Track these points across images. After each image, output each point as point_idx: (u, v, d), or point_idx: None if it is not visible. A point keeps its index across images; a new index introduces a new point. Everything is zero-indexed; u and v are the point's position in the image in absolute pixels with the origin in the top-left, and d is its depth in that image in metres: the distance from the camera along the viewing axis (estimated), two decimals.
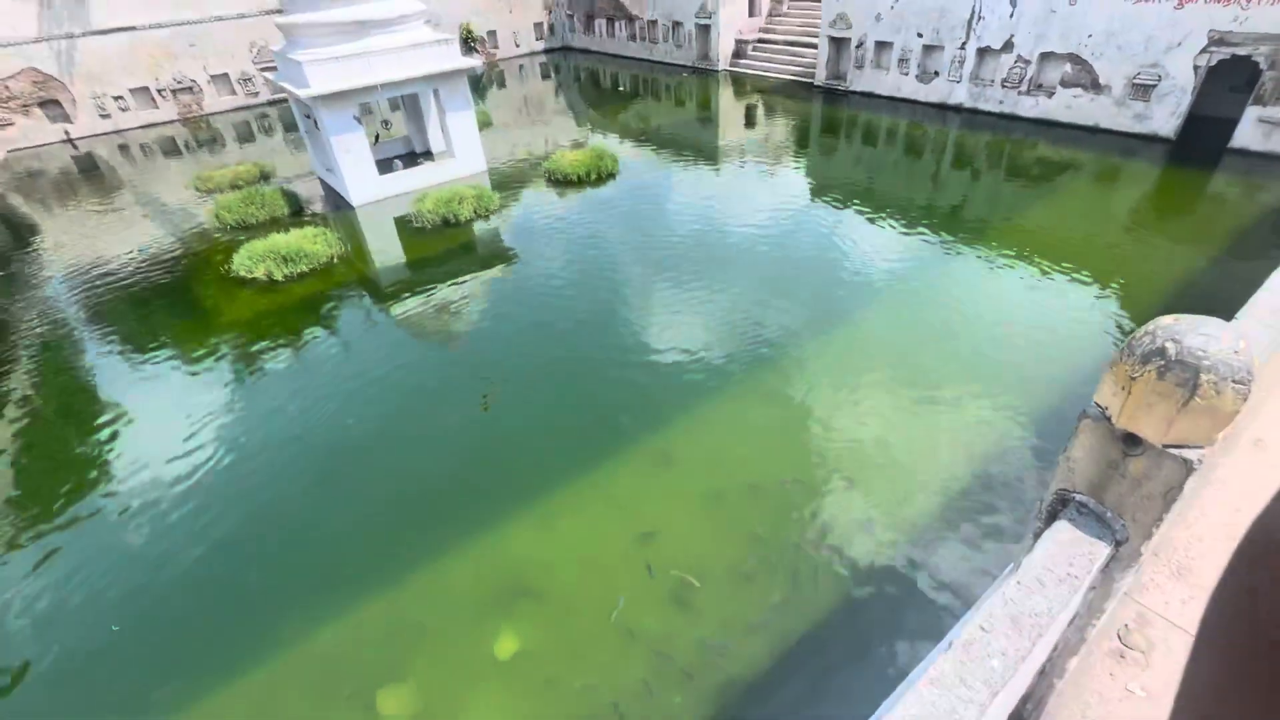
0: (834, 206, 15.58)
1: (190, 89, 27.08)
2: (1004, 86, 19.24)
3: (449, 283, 13.24)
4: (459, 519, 7.71)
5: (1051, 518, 2.08)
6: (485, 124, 23.41)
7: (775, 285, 12.27)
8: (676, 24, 28.96)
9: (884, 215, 14.83)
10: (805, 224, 14.73)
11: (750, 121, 23.15)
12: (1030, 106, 18.93)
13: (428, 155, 19.22)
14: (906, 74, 21.46)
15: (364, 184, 16.40)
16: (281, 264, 13.27)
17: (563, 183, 17.43)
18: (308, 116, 16.67)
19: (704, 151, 20.53)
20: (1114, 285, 11.46)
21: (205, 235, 16.14)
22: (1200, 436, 1.66)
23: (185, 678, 6.27)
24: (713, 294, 12.13)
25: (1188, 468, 1.70)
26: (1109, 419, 1.81)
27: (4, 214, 19.86)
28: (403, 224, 15.78)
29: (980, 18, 18.88)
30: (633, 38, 31.85)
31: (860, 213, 15.11)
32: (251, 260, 13.33)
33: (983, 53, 19.42)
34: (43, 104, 24.72)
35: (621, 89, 29.26)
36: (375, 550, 7.41)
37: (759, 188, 17.18)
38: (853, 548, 6.95)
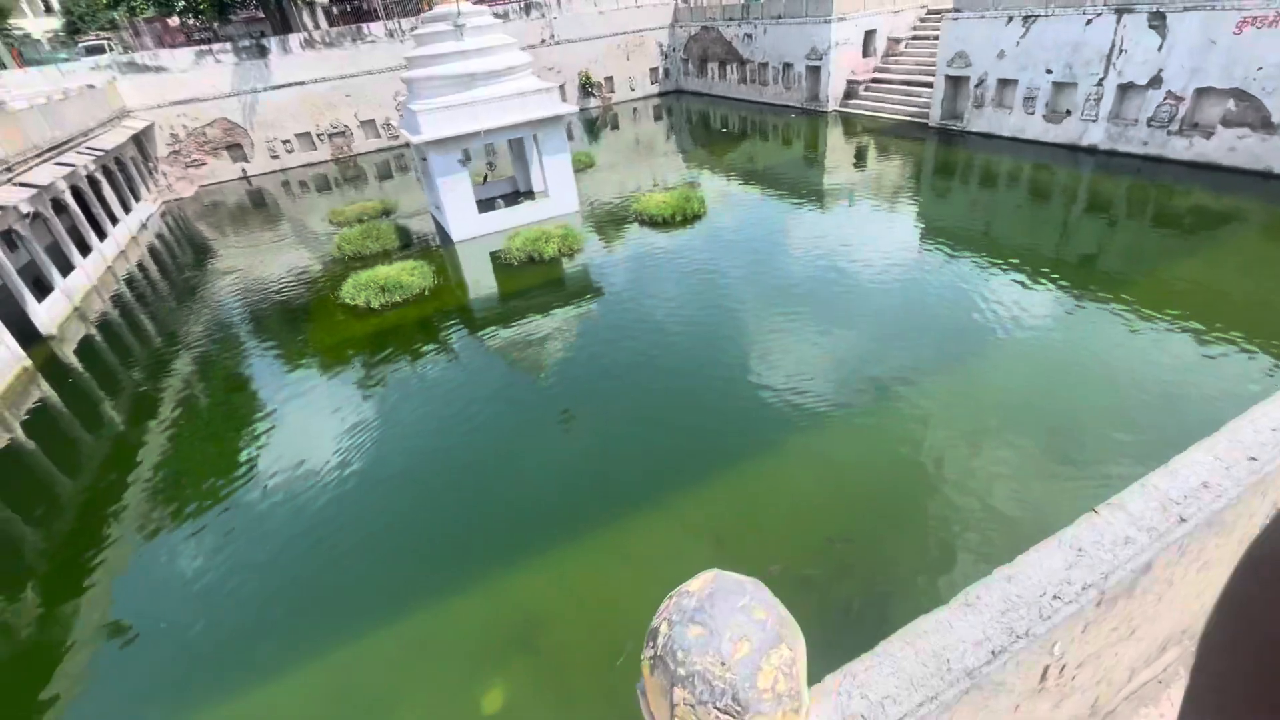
0: (946, 252, 14.47)
1: (343, 133, 30.81)
2: (1150, 126, 17.06)
3: (521, 318, 13.76)
4: (476, 560, 7.79)
5: None
6: (589, 165, 24.44)
7: (871, 332, 11.56)
8: (787, 65, 28.78)
9: (1004, 263, 13.55)
10: (912, 269, 13.77)
11: (858, 161, 22.29)
12: (1183, 148, 16.61)
13: (530, 195, 20.30)
14: (1032, 113, 19.70)
15: (464, 221, 17.60)
16: (379, 293, 14.48)
17: (649, 223, 17.66)
18: (423, 159, 18.27)
19: (806, 191, 20.01)
20: None
21: (329, 264, 18.04)
22: None
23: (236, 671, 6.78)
24: (795, 339, 11.64)
25: None
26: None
27: (189, 236, 23.48)
28: (493, 259, 16.70)
29: (1121, 51, 16.98)
30: (743, 80, 32.05)
31: (976, 260, 13.92)
32: (355, 289, 14.67)
33: (1124, 89, 17.40)
34: (229, 147, 29.18)
35: (729, 129, 29.44)
36: (393, 582, 7.66)
37: (862, 229, 16.40)
38: None
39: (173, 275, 19.74)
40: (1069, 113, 18.82)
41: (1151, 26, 16.25)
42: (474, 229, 17.85)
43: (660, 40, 36.06)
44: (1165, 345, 10.39)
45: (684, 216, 17.52)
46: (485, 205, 19.01)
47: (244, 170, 29.73)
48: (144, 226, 23.57)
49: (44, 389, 13.68)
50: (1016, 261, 13.54)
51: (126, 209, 22.68)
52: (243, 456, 10.50)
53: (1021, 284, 12.61)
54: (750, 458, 8.86)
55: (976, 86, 21.01)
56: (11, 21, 42.89)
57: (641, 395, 10.68)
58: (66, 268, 17.25)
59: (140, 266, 20.62)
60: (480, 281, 16.12)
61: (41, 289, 16.15)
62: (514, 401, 11.00)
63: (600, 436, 9.83)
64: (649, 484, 8.66)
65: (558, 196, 18.56)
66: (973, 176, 19.78)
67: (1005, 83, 20.23)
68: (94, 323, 16.82)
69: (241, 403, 12.26)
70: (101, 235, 19.99)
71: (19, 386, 13.39)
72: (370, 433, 10.43)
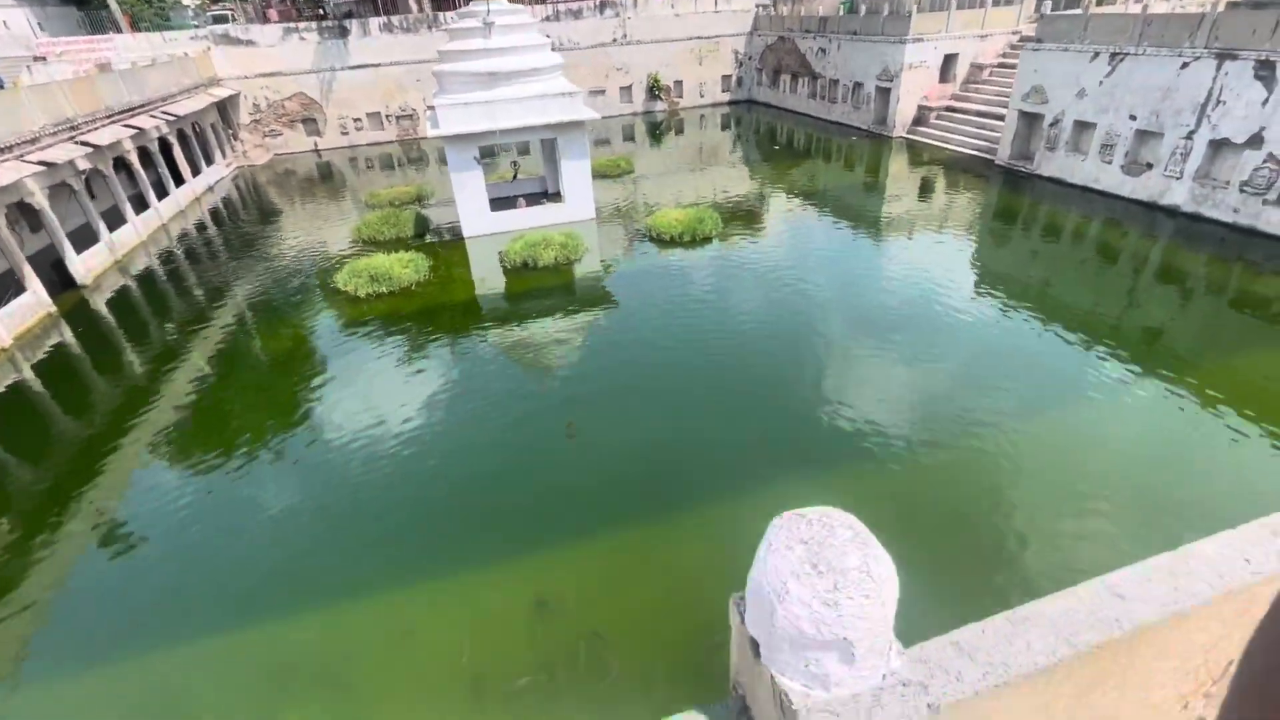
0: (998, 303, 13.22)
1: (410, 116, 31.86)
2: (1244, 191, 14.72)
3: (500, 323, 13.59)
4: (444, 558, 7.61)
5: None
6: (626, 171, 24.00)
7: (883, 383, 10.75)
8: (857, 84, 27.16)
9: (1058, 324, 12.21)
10: (952, 315, 12.69)
11: (918, 195, 20.65)
12: None
13: (556, 197, 20.12)
14: (1109, 162, 17.50)
15: (476, 218, 17.63)
16: (369, 282, 14.69)
17: (657, 240, 17.04)
18: None
19: (853, 220, 18.74)
20: None
21: (351, 245, 18.56)
22: None
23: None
24: (803, 370, 11.09)
25: None
26: None
27: (251, 202, 24.96)
28: (492, 261, 16.60)
29: (1219, 102, 14.71)
30: (813, 95, 30.59)
31: (1030, 315, 12.64)
32: (349, 276, 14.96)
33: (1217, 146, 15.09)
34: (304, 121, 30.84)
35: (794, 146, 28.19)
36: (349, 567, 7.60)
37: (901, 267, 15.29)
38: None
39: (221, 238, 20.97)
40: (1150, 166, 16.56)
41: (1258, 78, 13.96)
42: (485, 226, 17.85)
43: (737, 48, 35.03)
44: (1220, 439, 8.96)
45: (693, 237, 16.76)
46: (506, 203, 18.99)
47: (316, 144, 31.33)
48: (210, 189, 25.24)
49: (65, 334, 14.79)
50: (1073, 324, 12.15)
51: (196, 171, 24.33)
52: (222, 421, 10.91)
53: (1075, 349, 11.36)
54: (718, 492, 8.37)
55: (1051, 126, 18.92)
56: None
57: (623, 411, 10.38)
58: (118, 222, 18.62)
59: (198, 226, 22.05)
60: (473, 281, 16.07)
61: (90, 241, 17.49)
62: (467, 402, 10.78)
63: (570, 447, 9.49)
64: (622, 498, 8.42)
65: (574, 202, 18.26)
66: (1036, 225, 17.88)
67: (1083, 125, 18.08)
68: (133, 275, 18.12)
69: (223, 369, 12.74)
70: (163, 194, 21.49)
71: (38, 330, 14.54)
72: (316, 422, 10.53)
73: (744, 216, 19.45)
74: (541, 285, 15.37)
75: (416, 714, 5.98)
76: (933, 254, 16.03)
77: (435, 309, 14.55)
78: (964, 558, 7.35)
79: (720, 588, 6.95)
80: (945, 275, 14.55)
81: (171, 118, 21.71)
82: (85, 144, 16.72)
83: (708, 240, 16.87)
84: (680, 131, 33.02)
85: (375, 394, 11.29)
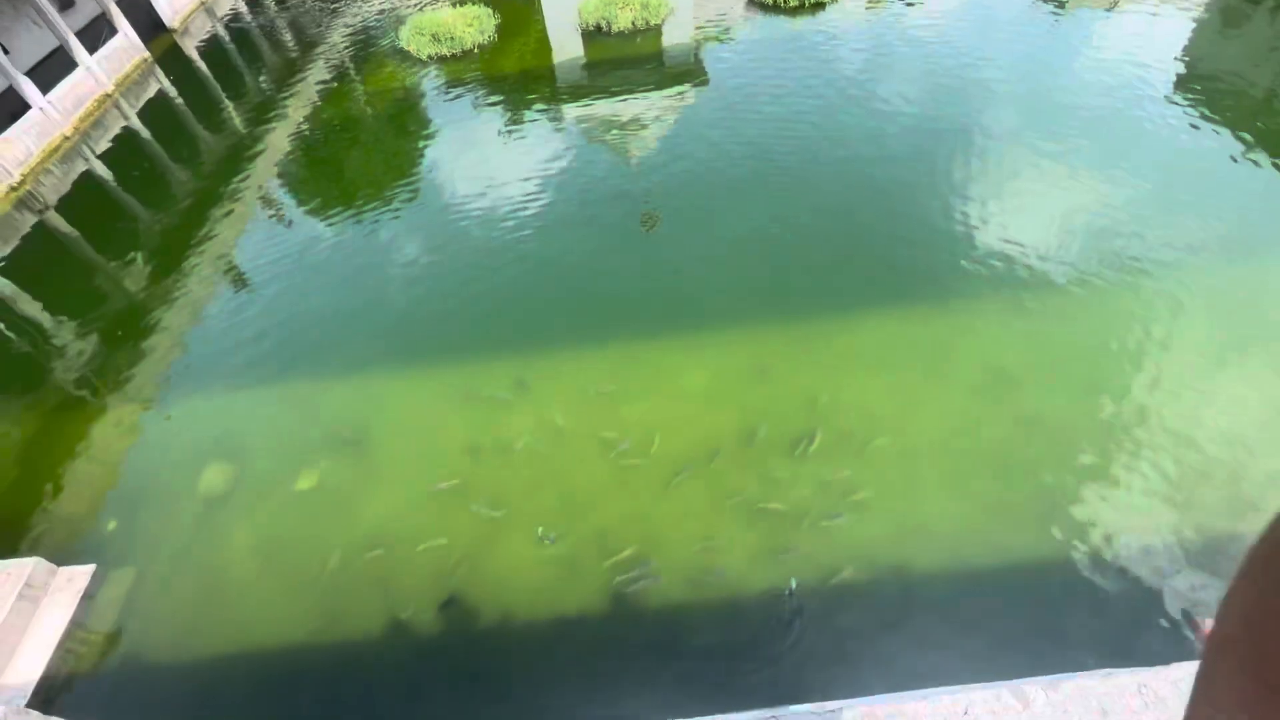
0: (1210, 110, 10.01)
1: None
2: None
3: (560, 98, 12.38)
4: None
5: None
6: None
7: (1038, 198, 8.81)
8: None
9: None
10: (1147, 125, 9.80)
11: None
12: None
13: None
14: None
15: None
16: (431, 42, 13.60)
17: (759, 5, 14.13)
18: None
19: None
20: None
21: None
22: None
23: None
24: (904, 187, 9.23)
25: None
26: None
27: None
28: (566, 20, 14.62)
29: None
30: None
31: (1243, 140, 9.44)
32: (412, 33, 13.87)
33: None
34: None
35: None
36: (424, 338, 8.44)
37: (1093, 50, 11.84)
38: None
39: None
40: None
41: None
42: None
43: None
44: None
45: (802, 1, 13.70)
46: None
47: None
48: None
49: (162, 81, 15.27)
50: None
51: None
52: (310, 179, 11.37)
53: None
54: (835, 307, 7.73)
55: None
56: None
57: (702, 208, 9.35)
58: None
59: None
60: (541, 45, 14.40)
61: None
62: (527, 183, 10.37)
63: (652, 245, 8.99)
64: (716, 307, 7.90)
65: None
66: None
67: None
68: (219, 18, 17.87)
69: (307, 129, 12.89)
70: None
71: (136, 76, 15.08)
72: (393, 193, 10.63)
73: None
74: (618, 54, 13.58)
75: (421, 478, 6.71)
76: (1139, 35, 12.15)
77: (497, 77, 13.43)
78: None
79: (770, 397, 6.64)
80: (1149, 67, 11.12)
81: None
82: None
83: (820, 5, 13.76)
84: None
85: (436, 170, 11.07)
